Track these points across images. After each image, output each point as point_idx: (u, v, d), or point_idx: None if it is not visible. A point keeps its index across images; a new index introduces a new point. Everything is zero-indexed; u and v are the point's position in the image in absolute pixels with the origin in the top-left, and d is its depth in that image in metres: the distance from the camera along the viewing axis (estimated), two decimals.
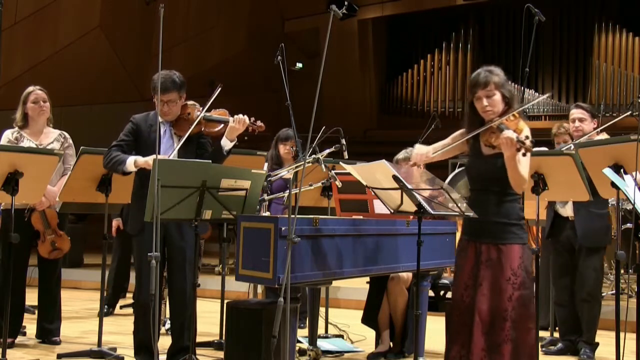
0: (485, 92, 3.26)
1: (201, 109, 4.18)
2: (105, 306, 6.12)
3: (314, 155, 4.07)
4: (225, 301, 4.19)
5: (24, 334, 5.20)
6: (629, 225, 6.21)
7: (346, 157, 4.47)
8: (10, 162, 4.15)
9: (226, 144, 4.12)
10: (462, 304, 3.29)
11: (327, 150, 4.16)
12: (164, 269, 4.32)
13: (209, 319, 5.57)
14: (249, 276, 3.47)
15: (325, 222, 3.62)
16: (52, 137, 5.01)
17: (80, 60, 13.24)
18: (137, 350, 4.15)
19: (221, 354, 4.48)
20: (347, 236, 3.74)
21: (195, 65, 14.58)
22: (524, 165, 3.17)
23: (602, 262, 5.24)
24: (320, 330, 5.17)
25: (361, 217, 4.21)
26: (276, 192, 4.53)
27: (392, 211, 3.76)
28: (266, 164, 5.27)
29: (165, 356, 4.20)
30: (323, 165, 4.13)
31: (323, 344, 4.90)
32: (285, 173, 4.35)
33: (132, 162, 4.03)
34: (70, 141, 5.10)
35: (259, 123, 4.17)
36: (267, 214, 4.18)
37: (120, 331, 5.59)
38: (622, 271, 5.89)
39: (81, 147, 4.67)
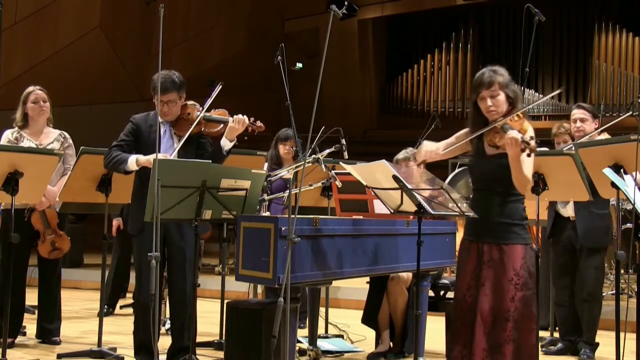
0: (489, 92, 3.25)
1: (201, 109, 4.18)
2: (105, 306, 6.12)
3: (314, 155, 4.07)
4: (225, 301, 4.19)
5: (24, 334, 5.20)
6: (629, 225, 6.20)
7: (346, 157, 4.47)
8: (10, 162, 4.15)
9: (226, 144, 4.12)
10: (465, 304, 3.29)
11: (327, 150, 4.16)
12: (164, 269, 4.32)
13: (209, 319, 5.57)
14: (249, 276, 3.47)
15: (325, 222, 3.62)
16: (52, 137, 5.02)
17: (80, 60, 13.24)
18: (137, 350, 4.15)
19: (221, 354, 4.48)
20: (347, 236, 3.74)
21: (195, 65, 14.58)
22: (528, 165, 3.17)
23: (603, 262, 5.24)
24: (320, 330, 5.17)
25: (361, 217, 4.21)
26: (276, 192, 4.53)
27: (392, 211, 3.75)
28: (266, 164, 5.27)
29: (165, 356, 4.19)
30: (323, 165, 4.13)
31: (323, 344, 4.90)
32: (285, 173, 4.35)
33: (134, 160, 4.04)
34: (70, 141, 5.10)
35: (258, 123, 4.17)
36: (267, 214, 4.18)
37: (120, 331, 5.59)
38: (622, 271, 5.90)
39: (81, 147, 4.67)
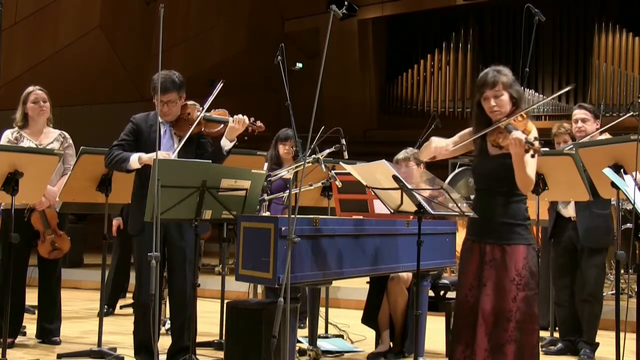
0: (493, 92, 3.25)
1: (201, 108, 4.18)
2: (105, 306, 6.12)
3: (314, 155, 4.07)
4: (225, 301, 4.19)
5: (24, 334, 5.20)
6: (629, 225, 6.20)
7: (346, 157, 4.47)
8: (10, 162, 4.15)
9: (226, 144, 4.12)
10: (467, 304, 3.28)
11: (327, 150, 4.15)
12: (164, 269, 4.32)
13: (209, 319, 5.57)
14: (249, 276, 3.47)
15: (325, 222, 3.62)
16: (52, 137, 5.01)
17: (80, 60, 13.24)
18: (137, 350, 4.15)
19: (221, 354, 4.48)
20: (347, 236, 3.74)
21: (195, 65, 14.58)
22: (531, 166, 3.16)
23: (604, 263, 5.24)
24: (320, 330, 5.17)
25: (361, 217, 4.20)
26: (276, 192, 4.53)
27: (392, 211, 3.75)
28: (266, 164, 5.27)
29: (165, 356, 4.19)
30: (323, 165, 4.13)
31: (323, 344, 4.89)
32: (285, 173, 4.35)
33: (137, 158, 4.04)
34: (70, 141, 5.10)
35: (258, 123, 4.17)
36: (267, 214, 4.18)
37: (120, 331, 5.59)
38: (622, 271, 5.89)
39: (81, 147, 4.67)
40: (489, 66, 3.37)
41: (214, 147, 4.21)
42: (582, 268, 4.96)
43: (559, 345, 5.11)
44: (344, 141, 4.39)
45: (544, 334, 5.38)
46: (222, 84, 4.14)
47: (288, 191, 4.09)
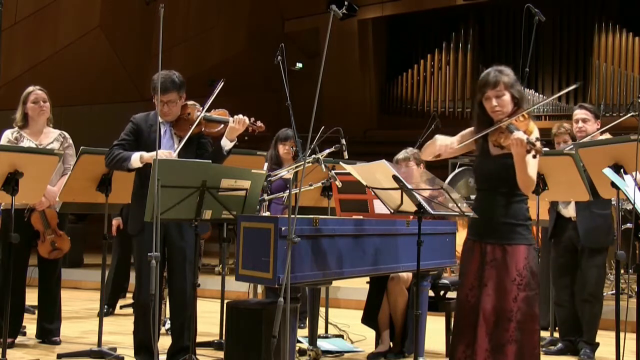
0: (494, 92, 3.25)
1: (201, 108, 4.18)
2: (105, 306, 6.12)
3: (314, 155, 4.07)
4: (225, 301, 4.19)
5: (24, 334, 5.20)
6: (629, 225, 6.21)
7: (346, 157, 4.47)
8: (10, 162, 4.15)
9: (226, 144, 4.12)
10: (467, 304, 3.28)
11: (327, 150, 4.15)
12: (164, 269, 4.32)
13: (209, 319, 5.57)
14: (249, 276, 3.47)
15: (325, 222, 3.62)
16: (52, 137, 5.01)
17: (80, 60, 13.24)
18: (137, 350, 4.15)
19: (221, 354, 4.48)
20: (347, 236, 3.74)
21: (195, 65, 14.58)
22: (532, 167, 3.16)
23: (604, 263, 5.24)
24: (320, 330, 5.17)
25: (361, 217, 4.20)
26: (276, 192, 4.53)
27: (392, 211, 3.75)
28: (266, 164, 5.27)
29: (165, 356, 4.19)
30: (323, 165, 4.13)
31: (323, 344, 4.89)
32: (285, 173, 4.35)
33: (138, 157, 4.04)
34: (70, 141, 5.10)
35: (258, 123, 4.17)
36: (267, 214, 4.18)
37: (120, 331, 5.59)
38: (622, 271, 5.89)
39: (81, 147, 4.67)
40: (489, 66, 3.37)
41: (214, 147, 4.21)
42: (583, 268, 4.96)
43: (559, 345, 5.11)
44: (344, 141, 4.39)
45: (544, 334, 5.38)
46: (222, 83, 4.13)
47: (288, 191, 4.09)
